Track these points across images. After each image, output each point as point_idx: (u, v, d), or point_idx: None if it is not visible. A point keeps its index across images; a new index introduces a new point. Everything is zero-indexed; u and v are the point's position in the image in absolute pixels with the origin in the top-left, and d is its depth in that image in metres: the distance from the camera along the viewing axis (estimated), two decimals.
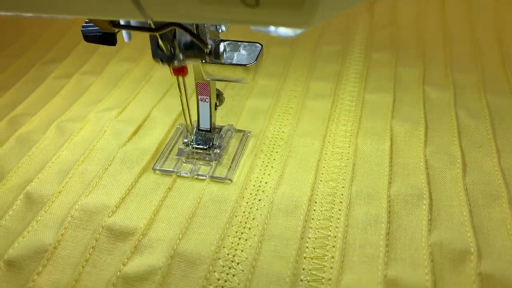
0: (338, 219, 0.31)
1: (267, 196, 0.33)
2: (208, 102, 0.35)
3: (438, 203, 0.31)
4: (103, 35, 0.27)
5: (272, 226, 0.31)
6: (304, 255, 0.29)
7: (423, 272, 0.27)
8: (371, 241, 0.29)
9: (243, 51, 0.33)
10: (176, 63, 0.27)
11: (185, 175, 0.35)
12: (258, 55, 0.32)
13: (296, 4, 0.17)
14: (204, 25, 0.31)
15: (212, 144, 0.36)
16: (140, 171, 0.35)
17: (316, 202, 0.32)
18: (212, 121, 0.36)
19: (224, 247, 0.30)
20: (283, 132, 0.39)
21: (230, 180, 0.34)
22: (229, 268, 0.28)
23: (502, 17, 0.53)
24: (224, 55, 0.28)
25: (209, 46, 0.29)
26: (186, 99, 0.33)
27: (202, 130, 0.36)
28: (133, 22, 0.24)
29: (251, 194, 0.33)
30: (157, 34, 0.25)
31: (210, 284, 0.27)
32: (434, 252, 0.28)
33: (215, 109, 0.36)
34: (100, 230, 0.31)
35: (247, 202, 0.33)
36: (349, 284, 0.27)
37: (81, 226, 0.31)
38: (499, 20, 0.53)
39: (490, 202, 0.31)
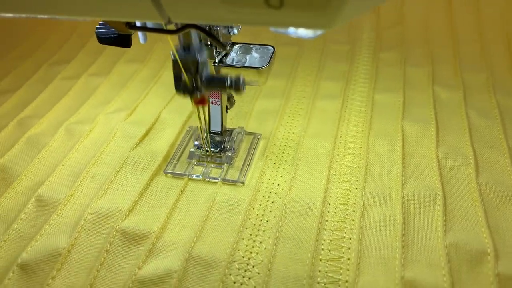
0: (353, 220, 0.31)
1: (280, 198, 0.33)
2: (220, 105, 0.34)
3: (452, 203, 0.31)
4: (118, 37, 0.26)
5: (286, 228, 0.31)
6: (320, 257, 0.29)
7: (441, 274, 0.27)
8: (387, 242, 0.29)
9: (255, 54, 0.33)
10: (197, 94, 0.29)
11: (196, 178, 0.35)
12: (270, 58, 0.32)
13: (321, 5, 0.17)
14: (217, 27, 0.31)
15: (223, 146, 0.36)
16: (151, 174, 0.35)
17: (329, 204, 0.32)
18: (223, 124, 0.36)
19: (239, 250, 0.29)
20: (293, 133, 0.39)
21: (242, 183, 0.34)
22: (245, 271, 0.28)
23: (510, 16, 0.53)
24: (241, 82, 0.28)
25: (227, 48, 0.29)
26: (206, 127, 0.34)
27: (213, 133, 0.36)
28: (149, 24, 0.24)
29: (263, 196, 0.33)
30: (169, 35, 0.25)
31: (226, 287, 0.27)
32: (450, 253, 0.28)
33: (226, 111, 0.36)
34: (114, 233, 0.30)
35: (260, 204, 0.33)
36: (366, 286, 0.27)
37: (94, 229, 0.31)
38: (507, 19, 0.53)
39: (504, 202, 0.31)
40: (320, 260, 0.29)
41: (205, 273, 0.28)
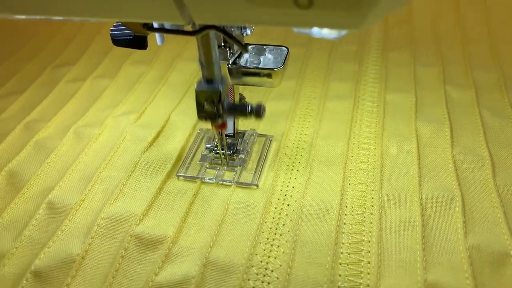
0: (371, 223, 0.30)
1: (295, 201, 0.32)
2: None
3: (471, 205, 0.31)
4: (134, 39, 0.26)
5: (303, 232, 0.30)
6: (340, 261, 0.28)
7: (463, 276, 0.26)
8: (407, 245, 0.29)
9: (269, 55, 0.32)
10: (219, 121, 0.30)
11: (209, 181, 0.34)
12: (285, 59, 0.32)
13: (353, 5, 0.17)
14: (231, 28, 0.31)
15: (236, 149, 0.36)
16: (164, 177, 0.34)
17: (346, 206, 0.32)
18: (235, 126, 0.36)
19: (256, 254, 0.29)
20: (305, 134, 0.39)
21: (256, 185, 0.34)
22: (264, 275, 0.28)
23: None
24: (262, 110, 0.30)
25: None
26: (225, 149, 0.35)
27: (226, 136, 0.36)
28: (167, 25, 0.24)
29: (278, 199, 0.33)
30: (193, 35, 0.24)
31: None
32: (472, 256, 0.28)
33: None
34: (129, 239, 0.30)
35: (275, 208, 0.32)
36: None
37: (108, 235, 0.31)
38: None
39: None
40: (340, 264, 0.28)
41: (223, 279, 0.28)
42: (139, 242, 0.30)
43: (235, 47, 0.32)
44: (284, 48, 0.33)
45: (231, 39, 0.24)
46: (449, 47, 0.49)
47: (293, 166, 0.36)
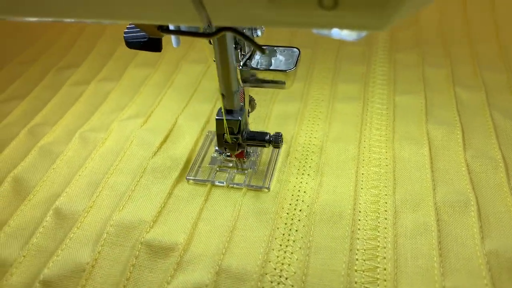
0: (385, 228, 0.30)
1: (307, 206, 0.32)
2: (244, 109, 0.33)
3: (486, 209, 0.31)
4: (148, 41, 0.25)
5: (317, 238, 0.30)
6: (355, 267, 0.28)
7: (482, 283, 0.26)
8: (423, 251, 0.28)
9: (280, 56, 0.32)
10: (238, 150, 0.32)
11: (220, 184, 0.34)
12: (297, 60, 0.31)
13: (379, 5, 0.16)
14: (242, 29, 0.30)
15: (246, 151, 0.35)
16: (173, 182, 0.34)
17: (360, 212, 0.31)
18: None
19: (270, 261, 0.28)
20: (315, 138, 0.38)
21: (268, 188, 0.33)
22: (278, 283, 0.27)
23: None
24: (280, 139, 0.32)
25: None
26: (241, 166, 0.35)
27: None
28: (183, 27, 0.23)
29: (290, 204, 0.32)
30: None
31: None
32: (490, 262, 0.27)
33: (248, 115, 0.35)
34: (139, 246, 0.29)
35: (287, 213, 0.32)
36: None
37: (118, 243, 0.30)
38: None
39: None
40: (356, 271, 0.28)
41: (236, 286, 0.27)
42: (150, 250, 0.29)
43: (246, 49, 0.31)
44: (295, 49, 0.32)
45: (248, 41, 0.23)
46: (457, 47, 0.49)
47: (304, 170, 0.35)
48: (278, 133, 0.32)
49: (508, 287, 0.26)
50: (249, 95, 0.35)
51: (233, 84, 0.29)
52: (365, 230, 0.30)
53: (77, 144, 0.39)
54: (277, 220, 0.31)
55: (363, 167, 0.35)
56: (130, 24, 0.26)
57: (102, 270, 0.29)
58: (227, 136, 0.30)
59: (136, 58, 0.50)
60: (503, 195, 0.32)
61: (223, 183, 0.34)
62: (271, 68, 0.31)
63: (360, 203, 0.32)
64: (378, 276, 0.27)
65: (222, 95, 0.29)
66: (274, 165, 0.35)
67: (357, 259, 0.28)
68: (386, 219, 0.30)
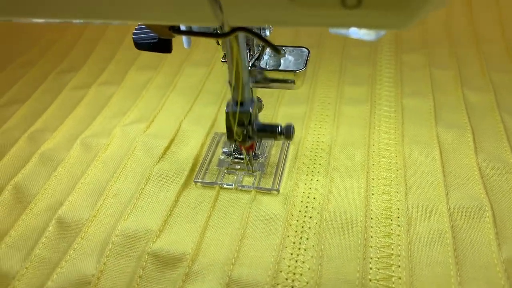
0: (399, 235, 0.29)
1: (317, 213, 0.31)
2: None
3: (501, 215, 0.30)
4: (158, 42, 0.24)
5: (328, 247, 0.29)
6: (369, 277, 0.27)
7: None
8: (438, 259, 0.27)
9: (289, 57, 0.31)
10: (249, 142, 0.31)
11: (228, 186, 0.33)
12: (306, 60, 0.30)
13: (403, 5, 0.15)
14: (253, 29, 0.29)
15: (255, 153, 0.34)
16: (179, 189, 0.33)
17: (372, 218, 0.30)
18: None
19: (281, 271, 0.28)
20: (322, 141, 0.37)
21: (277, 191, 0.33)
22: None
23: None
24: (292, 131, 0.31)
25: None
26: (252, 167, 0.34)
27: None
28: (194, 27, 0.22)
29: (300, 211, 0.31)
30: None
31: None
32: (508, 270, 0.26)
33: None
34: (146, 257, 0.28)
35: (297, 221, 0.31)
36: None
37: (123, 253, 0.29)
38: None
39: None
40: (370, 280, 0.27)
41: None
42: (157, 260, 0.28)
43: (255, 49, 0.31)
44: (304, 49, 0.31)
45: (262, 42, 0.22)
46: (463, 48, 0.48)
47: (313, 175, 0.34)
48: (290, 124, 0.30)
49: None
50: (257, 96, 0.34)
51: (244, 73, 0.27)
52: (378, 237, 0.29)
53: (78, 151, 0.38)
54: (287, 228, 0.30)
55: (373, 171, 0.34)
56: (139, 25, 0.25)
57: (108, 282, 0.28)
58: (237, 129, 0.29)
59: (138, 60, 0.49)
60: None
61: (231, 185, 0.33)
62: (280, 68, 0.30)
63: (371, 209, 0.31)
64: (393, 286, 0.26)
65: (230, 85, 0.28)
66: (283, 166, 0.35)
67: (371, 268, 0.27)
68: (399, 225, 0.30)
